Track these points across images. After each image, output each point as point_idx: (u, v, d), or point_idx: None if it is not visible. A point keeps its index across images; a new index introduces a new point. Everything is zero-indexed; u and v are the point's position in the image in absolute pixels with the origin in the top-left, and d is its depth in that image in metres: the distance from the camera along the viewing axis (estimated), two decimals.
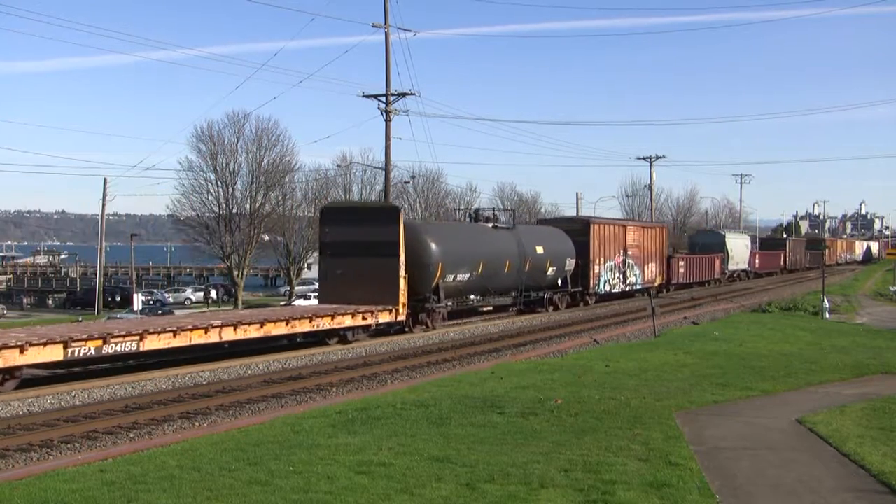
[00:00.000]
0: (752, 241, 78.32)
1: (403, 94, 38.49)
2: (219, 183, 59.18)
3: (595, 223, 41.46)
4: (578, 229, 40.28)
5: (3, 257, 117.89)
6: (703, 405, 14.25)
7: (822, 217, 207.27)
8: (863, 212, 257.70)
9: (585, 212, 76.02)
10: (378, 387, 18.54)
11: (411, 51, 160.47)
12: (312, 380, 19.42)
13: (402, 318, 27.21)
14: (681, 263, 53.68)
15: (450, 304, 30.15)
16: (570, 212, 66.29)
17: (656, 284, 48.54)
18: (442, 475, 9.33)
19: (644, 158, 76.91)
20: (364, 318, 25.55)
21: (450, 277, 29.30)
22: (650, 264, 47.47)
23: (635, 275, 45.46)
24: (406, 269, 27.07)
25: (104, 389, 17.63)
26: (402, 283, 26.83)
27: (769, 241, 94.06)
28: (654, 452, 10.44)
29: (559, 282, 37.64)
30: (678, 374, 18.33)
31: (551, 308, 37.03)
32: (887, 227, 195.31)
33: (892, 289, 52.37)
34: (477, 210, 36.43)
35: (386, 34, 38.27)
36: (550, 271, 36.32)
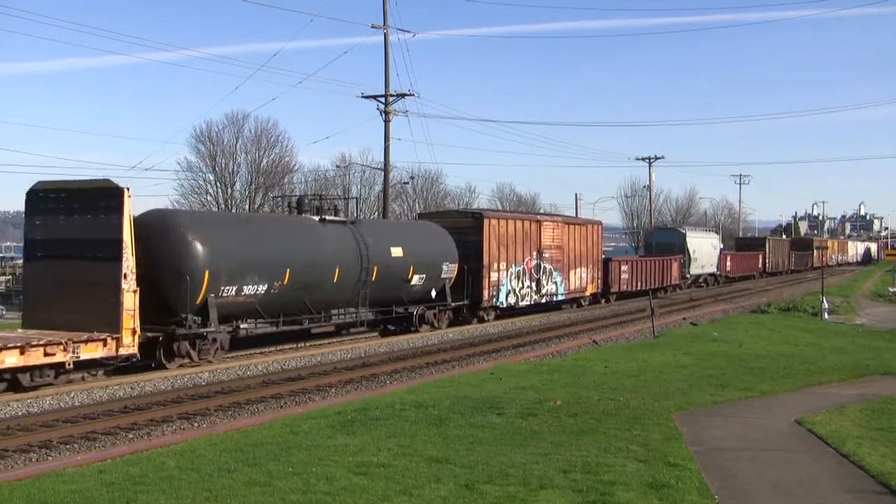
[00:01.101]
0: (723, 241, 69.52)
1: (402, 95, 38.56)
2: (218, 184, 59.39)
3: (490, 217, 32.93)
4: (467, 226, 31.71)
5: (3, 258, 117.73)
6: (703, 406, 14.27)
7: (821, 218, 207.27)
8: (862, 212, 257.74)
9: (585, 213, 75.27)
10: (377, 387, 18.54)
11: (410, 51, 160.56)
12: (311, 381, 19.42)
13: (129, 350, 18.45)
14: (623, 268, 45.29)
15: (244, 326, 21.82)
16: (569, 213, 65.50)
17: (588, 294, 40.74)
18: (441, 476, 9.33)
19: (643, 159, 77.12)
20: (49, 355, 16.99)
21: (229, 290, 20.71)
22: (578, 269, 39.25)
23: (555, 283, 36.95)
24: (147, 279, 18.90)
25: (103, 390, 17.63)
26: (131, 300, 18.34)
27: (746, 242, 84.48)
28: (653, 453, 10.45)
29: (433, 293, 29.04)
30: (677, 374, 18.35)
31: (425, 327, 28.74)
32: (886, 228, 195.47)
33: (891, 289, 52.42)
34: (300, 199, 26.78)
35: (385, 35, 38.34)
36: (416, 280, 27.70)
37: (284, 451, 10.71)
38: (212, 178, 59.94)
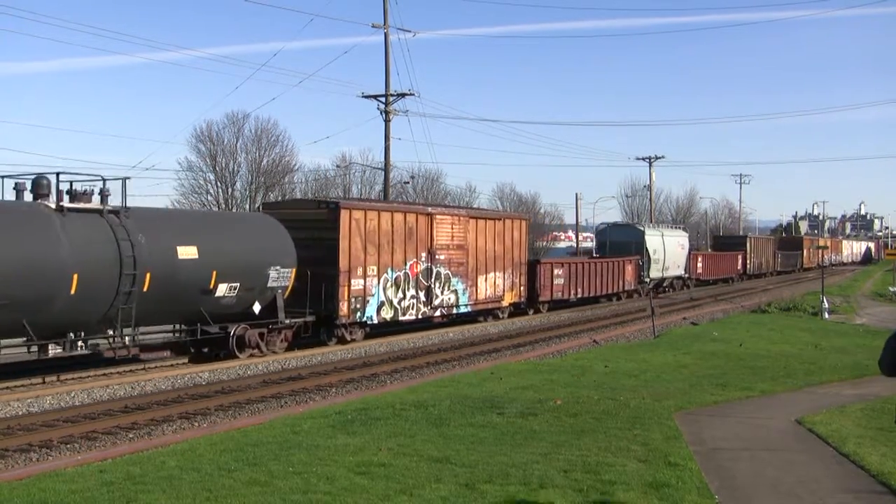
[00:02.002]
0: (690, 240, 59.51)
1: (403, 95, 38.61)
2: (218, 183, 59.48)
3: (352, 208, 25.57)
4: (320, 219, 24.86)
5: None
6: (703, 406, 14.26)
7: (821, 217, 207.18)
8: (862, 212, 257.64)
9: (585, 214, 74.64)
10: (377, 387, 18.55)
11: (411, 51, 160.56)
12: (312, 380, 19.43)
13: None
14: (556, 272, 37.24)
15: None
16: (569, 214, 64.62)
17: (505, 304, 33.06)
18: (441, 476, 9.33)
19: (643, 159, 77.15)
20: None
21: None
22: (491, 274, 31.71)
23: (455, 291, 29.70)
24: None
25: (104, 390, 17.65)
26: None
27: (724, 241, 76.58)
28: (653, 453, 10.44)
29: (256, 307, 22.08)
30: (677, 374, 18.35)
31: (248, 352, 21.81)
32: (886, 228, 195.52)
33: (891, 289, 52.41)
34: (37, 179, 18.49)
35: (385, 34, 38.37)
36: (224, 290, 20.91)
37: (285, 451, 10.71)
38: (212, 177, 60.07)
